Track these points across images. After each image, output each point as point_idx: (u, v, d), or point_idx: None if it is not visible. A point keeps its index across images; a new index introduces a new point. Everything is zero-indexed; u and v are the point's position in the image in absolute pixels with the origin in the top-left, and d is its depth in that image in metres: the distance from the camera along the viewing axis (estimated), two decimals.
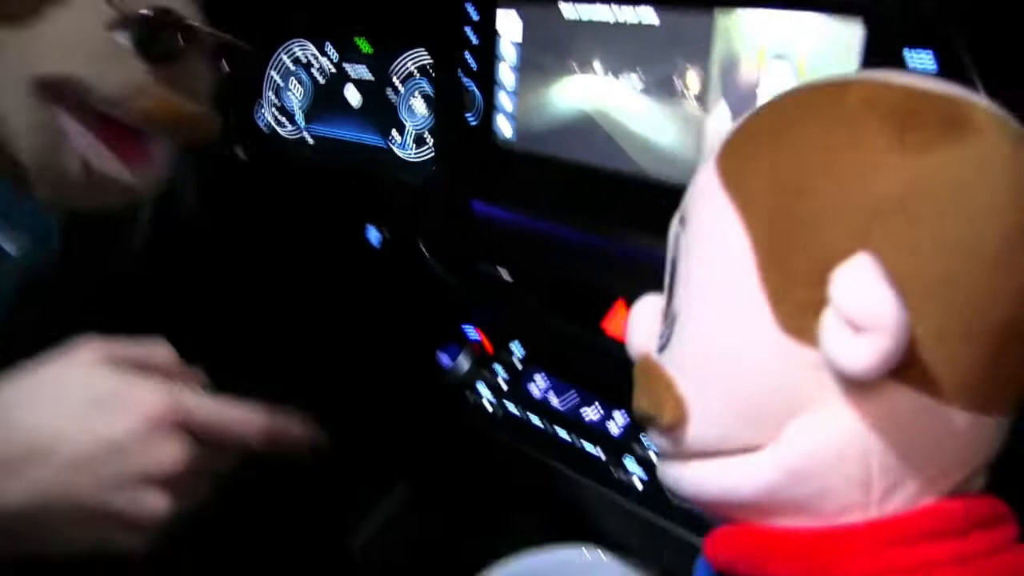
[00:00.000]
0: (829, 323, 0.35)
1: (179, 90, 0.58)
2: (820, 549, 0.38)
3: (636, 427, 0.89)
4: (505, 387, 1.00)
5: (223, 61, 0.70)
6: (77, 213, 0.67)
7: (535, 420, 0.96)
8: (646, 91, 0.88)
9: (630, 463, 0.88)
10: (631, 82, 0.89)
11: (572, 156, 0.95)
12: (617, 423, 0.91)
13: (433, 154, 1.14)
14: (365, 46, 1.26)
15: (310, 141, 1.31)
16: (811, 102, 0.40)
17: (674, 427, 0.41)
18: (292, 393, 1.10)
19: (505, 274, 0.99)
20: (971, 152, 0.36)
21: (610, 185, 0.90)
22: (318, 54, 1.30)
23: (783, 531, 0.39)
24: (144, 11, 0.55)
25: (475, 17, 1.00)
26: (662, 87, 0.86)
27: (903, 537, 0.37)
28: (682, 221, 0.44)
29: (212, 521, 0.61)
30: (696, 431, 0.41)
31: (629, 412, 0.88)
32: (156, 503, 0.50)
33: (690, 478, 0.43)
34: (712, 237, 0.41)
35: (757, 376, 0.38)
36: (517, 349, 1.01)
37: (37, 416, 0.49)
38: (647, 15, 0.85)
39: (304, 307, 1.23)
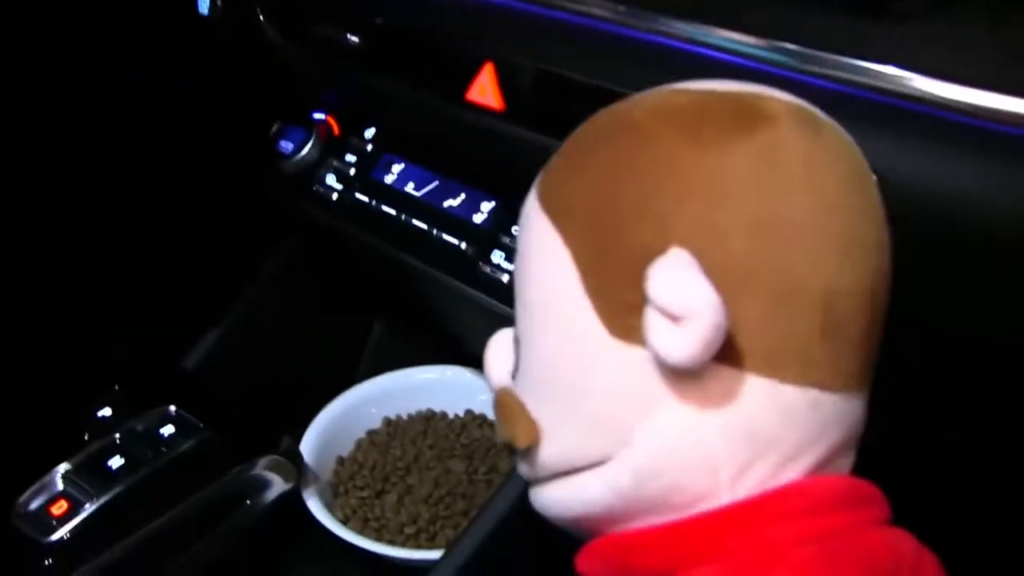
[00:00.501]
0: (650, 319, 0.36)
1: None
2: (674, 540, 0.39)
3: (505, 216, 0.79)
4: (355, 173, 0.88)
5: None
6: None
7: (389, 210, 0.85)
8: None
9: (497, 256, 0.78)
10: None
11: None
12: (483, 211, 0.80)
13: None
14: None
15: None
16: (606, 124, 0.44)
17: (529, 449, 0.43)
18: (102, 179, 0.95)
19: (355, 39, 0.84)
20: (764, 140, 0.39)
21: None
22: None
23: (641, 531, 0.40)
24: None
25: None
26: None
27: (754, 519, 0.37)
28: (517, 254, 0.46)
29: None
30: (550, 451, 0.42)
31: (497, 199, 0.79)
32: None
33: (552, 499, 0.44)
34: (538, 259, 0.43)
35: (597, 385, 0.40)
36: (369, 132, 0.88)
37: None
38: None
39: (119, 80, 1.04)
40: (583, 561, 0.43)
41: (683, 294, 0.34)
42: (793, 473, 0.39)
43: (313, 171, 0.90)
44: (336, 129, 0.91)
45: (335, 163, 0.88)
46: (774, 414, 0.38)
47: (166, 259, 0.91)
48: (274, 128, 0.92)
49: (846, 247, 0.39)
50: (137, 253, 0.89)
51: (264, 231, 0.96)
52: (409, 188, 0.84)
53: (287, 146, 0.90)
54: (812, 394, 0.38)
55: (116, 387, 0.84)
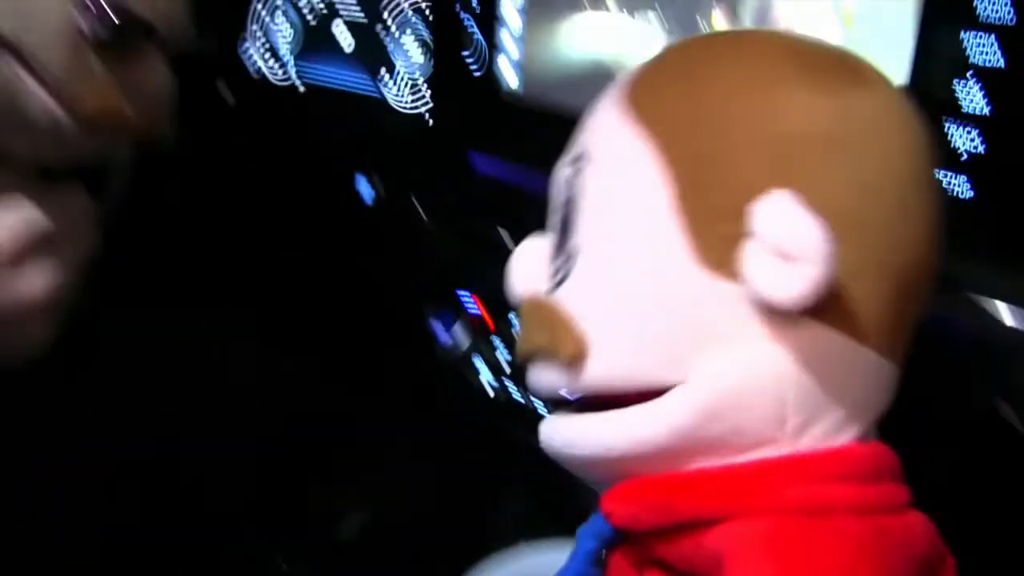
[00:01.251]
0: (753, 255, 0.35)
1: (122, 87, 0.56)
2: (730, 485, 0.37)
3: None
4: (503, 359, 0.94)
5: None
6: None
7: (539, 405, 0.90)
8: (666, 32, 0.79)
9: None
10: (649, 22, 0.80)
11: (583, 106, 0.86)
12: None
13: (429, 103, 1.06)
14: None
15: (297, 82, 1.23)
16: (724, 46, 0.42)
17: (574, 362, 0.40)
18: (277, 350, 1.05)
19: (507, 237, 0.92)
20: (874, 99, 0.39)
21: None
22: None
23: (689, 473, 0.39)
24: (107, 2, 0.54)
25: None
26: (684, 28, 0.77)
27: (814, 475, 0.37)
28: (578, 159, 0.43)
29: None
30: (599, 368, 0.40)
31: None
32: (35, 327, 0.58)
33: (589, 432, 0.41)
34: (622, 172, 0.40)
35: (668, 310, 0.38)
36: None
37: None
38: None
39: (291, 263, 1.16)
40: (614, 504, 0.41)
41: (799, 234, 0.34)
42: (849, 435, 0.39)
43: (465, 354, 0.96)
44: (485, 312, 0.97)
45: (485, 347, 0.95)
46: (849, 374, 0.38)
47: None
48: (427, 312, 0.99)
49: (932, 222, 0.40)
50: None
51: (415, 412, 1.03)
52: None
53: (441, 329, 0.97)
54: (882, 362, 0.39)
55: None
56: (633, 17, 0.81)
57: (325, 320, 1.08)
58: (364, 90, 1.14)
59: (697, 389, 0.38)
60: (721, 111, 0.38)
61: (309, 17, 1.20)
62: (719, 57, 0.41)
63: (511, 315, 0.94)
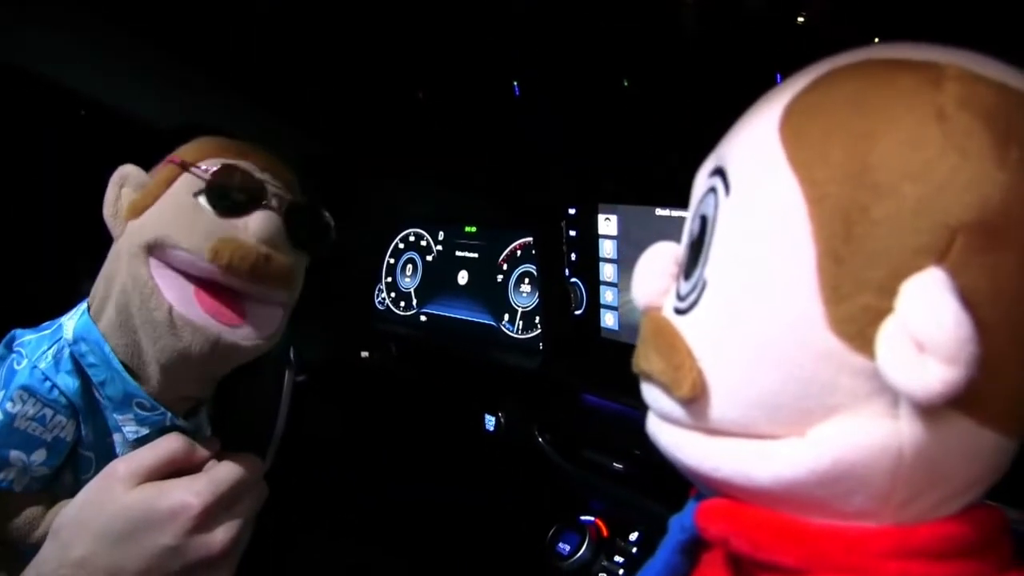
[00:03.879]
0: (892, 337, 0.33)
1: (246, 235, 0.65)
2: (827, 544, 0.36)
3: None
4: (623, 574, 1.03)
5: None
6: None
7: None
8: None
9: None
10: None
11: None
12: None
13: (540, 335, 1.22)
14: (473, 231, 1.37)
15: (423, 319, 1.42)
16: (897, 83, 0.36)
17: (690, 401, 0.39)
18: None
19: (619, 464, 1.03)
20: None
21: None
22: (431, 240, 1.42)
23: (785, 519, 0.38)
24: (213, 174, 0.65)
25: (577, 218, 1.09)
26: None
27: (912, 550, 0.35)
28: (722, 176, 0.40)
29: None
30: (714, 410, 0.39)
31: None
32: (220, 573, 0.64)
33: (699, 452, 0.40)
34: (768, 216, 0.37)
35: (793, 369, 0.36)
36: (633, 536, 1.04)
37: (91, 552, 0.60)
38: None
39: (422, 486, 1.30)
40: (707, 520, 0.40)
41: (945, 327, 0.31)
42: (955, 507, 0.37)
43: (587, 570, 1.06)
44: (605, 531, 1.07)
45: (606, 563, 1.04)
46: (964, 454, 0.35)
47: None
48: (552, 532, 1.10)
49: None
50: None
51: None
52: None
53: (564, 548, 1.08)
54: (1002, 441, 0.36)
55: None
56: None
57: (458, 546, 1.20)
58: (481, 321, 1.31)
59: (811, 451, 0.36)
60: (889, 173, 0.34)
61: (432, 262, 1.41)
62: (892, 101, 0.35)
63: (631, 534, 1.04)
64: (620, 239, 1.07)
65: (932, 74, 0.35)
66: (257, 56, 1.18)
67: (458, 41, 1.13)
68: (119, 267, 0.66)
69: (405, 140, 1.36)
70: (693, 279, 0.41)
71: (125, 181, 0.69)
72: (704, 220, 0.41)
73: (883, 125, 0.35)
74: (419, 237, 1.46)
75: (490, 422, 1.21)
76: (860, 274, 0.34)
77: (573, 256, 1.11)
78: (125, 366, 0.67)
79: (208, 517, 0.64)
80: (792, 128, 0.38)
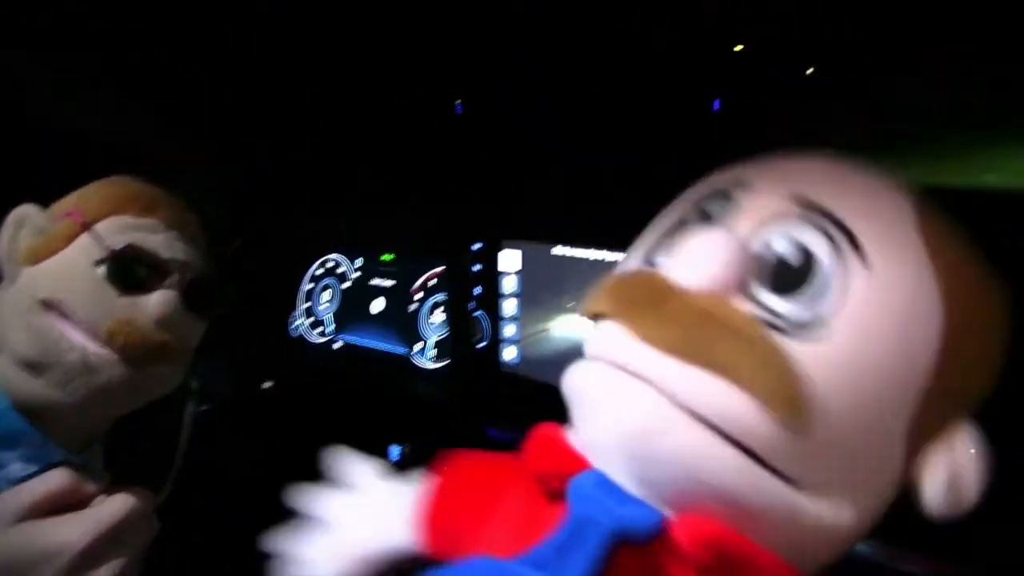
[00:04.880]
0: (938, 467, 0.40)
1: (143, 318, 0.65)
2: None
3: None
4: None
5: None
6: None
7: None
8: None
9: None
10: None
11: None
12: None
13: (450, 363, 1.23)
14: (390, 259, 1.38)
15: (338, 346, 1.42)
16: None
17: (781, 421, 0.38)
18: None
19: None
20: None
21: None
22: (349, 267, 1.43)
23: (759, 548, 0.40)
24: (115, 248, 0.65)
25: (482, 253, 1.10)
26: None
27: None
28: (847, 234, 0.41)
29: None
30: (790, 441, 0.38)
31: None
32: None
33: (725, 468, 0.39)
34: (910, 313, 0.39)
35: (864, 454, 0.40)
36: None
37: None
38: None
39: None
40: (688, 534, 0.40)
41: (973, 489, 0.40)
42: None
43: None
44: None
45: None
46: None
47: None
48: None
49: None
50: None
51: None
52: None
53: None
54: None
55: None
56: None
57: None
58: (394, 351, 1.32)
59: (840, 514, 0.41)
60: (989, 306, 0.41)
61: (349, 289, 1.41)
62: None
63: None
64: (521, 275, 1.09)
65: None
66: (181, 78, 1.18)
67: (381, 70, 1.14)
68: (12, 313, 0.65)
69: (325, 167, 1.37)
70: (802, 306, 0.41)
71: (24, 223, 0.68)
72: (808, 255, 0.41)
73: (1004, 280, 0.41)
74: (337, 264, 1.46)
75: (395, 452, 1.21)
76: (949, 393, 0.40)
77: (477, 290, 1.13)
78: (20, 402, 0.66)
79: (91, 556, 0.63)
80: (933, 229, 0.42)
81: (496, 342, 1.12)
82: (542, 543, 0.42)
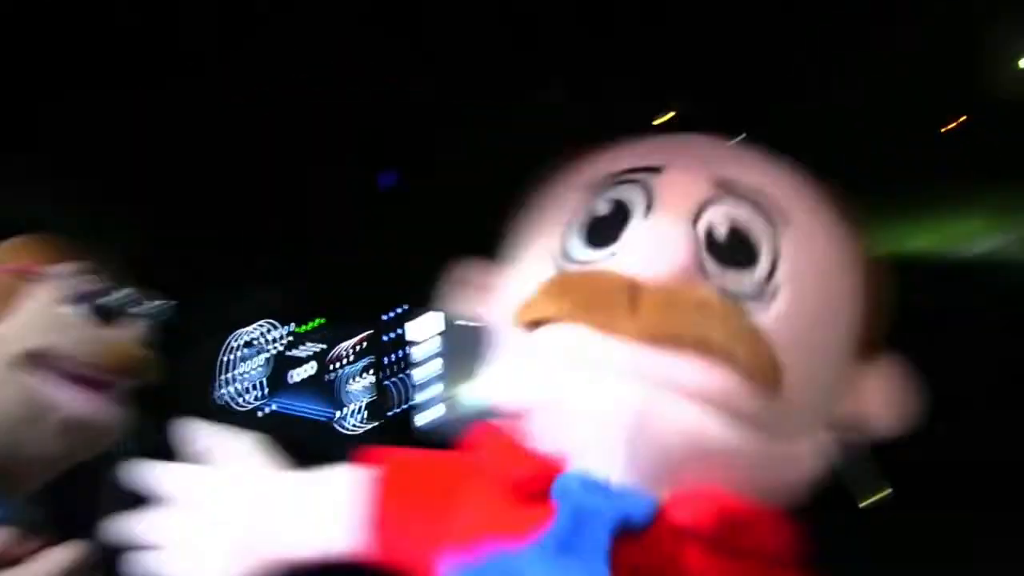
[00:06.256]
0: (879, 393, 0.44)
1: (123, 338, 0.65)
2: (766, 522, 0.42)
3: None
4: None
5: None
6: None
7: None
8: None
9: None
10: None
11: None
12: None
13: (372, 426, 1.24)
14: (315, 326, 1.39)
15: (261, 415, 1.42)
16: None
17: (759, 385, 0.40)
18: None
19: None
20: None
21: None
22: (272, 337, 1.43)
23: (749, 503, 0.41)
24: (87, 289, 0.64)
25: (396, 320, 1.13)
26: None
27: None
28: (765, 199, 0.45)
29: None
30: (772, 401, 0.41)
31: None
32: None
33: (717, 430, 0.41)
34: (830, 247, 0.45)
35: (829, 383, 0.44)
36: None
37: None
38: None
39: None
40: (691, 505, 0.41)
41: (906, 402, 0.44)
42: None
43: None
44: None
45: None
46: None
47: None
48: None
49: None
50: None
51: None
52: None
53: None
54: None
55: None
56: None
57: None
58: (318, 416, 1.33)
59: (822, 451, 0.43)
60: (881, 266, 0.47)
61: (272, 359, 1.42)
62: None
63: None
64: (438, 342, 1.11)
65: None
66: (81, 145, 1.18)
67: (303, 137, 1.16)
68: None
69: (247, 235, 1.38)
70: (753, 276, 0.43)
71: None
72: (747, 230, 0.44)
73: None
74: (261, 333, 1.47)
75: None
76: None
77: (392, 356, 1.15)
78: None
79: None
80: (828, 200, 0.47)
81: (410, 407, 1.13)
82: (539, 539, 0.41)
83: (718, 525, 0.40)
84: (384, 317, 1.13)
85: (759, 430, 0.41)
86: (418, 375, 1.12)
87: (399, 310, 1.11)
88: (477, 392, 1.04)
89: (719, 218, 0.44)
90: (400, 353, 1.12)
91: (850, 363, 0.44)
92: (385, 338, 1.13)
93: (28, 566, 0.65)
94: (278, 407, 1.39)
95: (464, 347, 1.07)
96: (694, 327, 0.40)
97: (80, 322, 0.64)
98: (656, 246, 0.43)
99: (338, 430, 1.30)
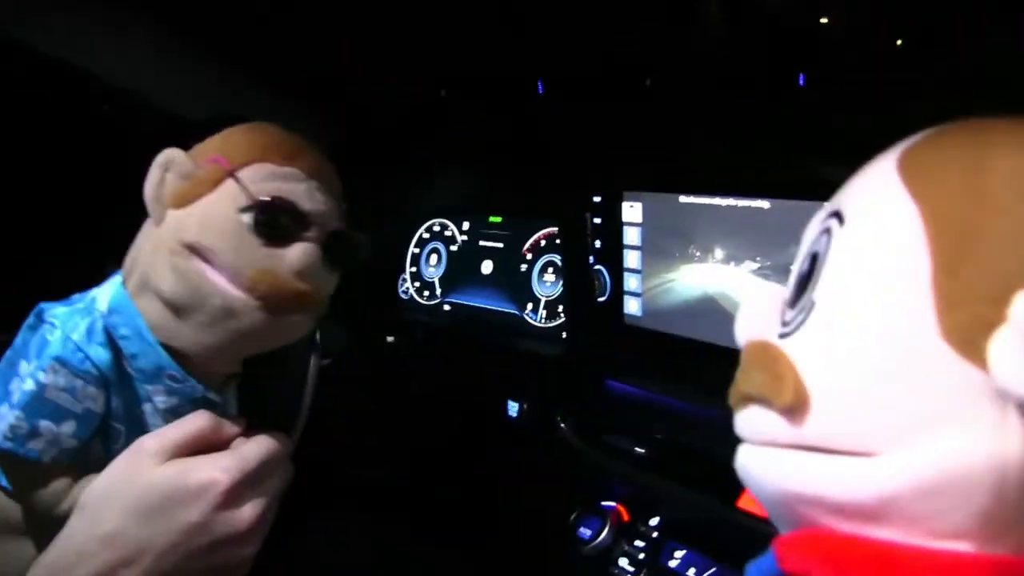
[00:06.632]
0: (1005, 343, 0.34)
1: (284, 268, 0.66)
2: (917, 569, 0.35)
3: None
4: (644, 558, 1.03)
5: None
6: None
7: None
8: (763, 273, 0.94)
9: None
10: (749, 265, 0.95)
11: (696, 335, 1.01)
12: None
13: (564, 323, 1.23)
14: (498, 221, 1.37)
15: (447, 308, 1.43)
16: (1011, 131, 0.39)
17: (790, 412, 0.39)
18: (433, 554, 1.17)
19: (641, 449, 1.04)
20: None
21: (734, 364, 0.94)
22: (456, 230, 1.43)
23: (877, 542, 0.37)
24: (263, 197, 0.66)
25: (602, 205, 1.09)
26: (778, 269, 0.92)
27: None
28: (838, 217, 0.42)
29: None
30: (816, 420, 0.39)
31: None
32: (245, 550, 0.64)
33: (792, 469, 0.40)
34: (884, 234, 0.39)
35: (905, 381, 0.36)
36: (654, 520, 1.05)
37: (119, 527, 0.60)
38: (758, 201, 0.92)
39: (444, 471, 1.31)
40: (789, 550, 0.40)
41: None
42: None
43: (608, 555, 1.06)
44: (626, 516, 1.07)
45: (627, 547, 1.05)
46: None
47: None
48: (573, 516, 1.11)
49: None
50: None
51: None
52: (691, 574, 0.98)
53: (585, 532, 1.08)
54: None
55: None
56: (735, 264, 0.95)
57: (480, 530, 1.21)
58: (505, 310, 1.32)
59: (919, 462, 0.36)
60: (998, 194, 0.37)
61: (456, 252, 1.42)
62: (1004, 141, 0.39)
63: (652, 519, 1.04)
64: (645, 226, 1.07)
65: None
66: (283, 44, 1.19)
67: (482, 33, 1.14)
68: (159, 255, 0.67)
69: (430, 129, 1.37)
70: (799, 305, 0.43)
71: (170, 166, 0.69)
72: (815, 257, 0.43)
73: (997, 158, 0.38)
74: (443, 227, 1.47)
75: (513, 408, 1.22)
76: (975, 286, 0.35)
77: (598, 243, 1.12)
78: (162, 341, 0.68)
79: (235, 494, 0.64)
80: (910, 164, 0.40)
81: (618, 296, 1.11)
82: None
83: (809, 566, 0.38)
84: (581, 205, 1.10)
85: (836, 454, 0.38)
86: (618, 263, 1.09)
87: (597, 198, 1.07)
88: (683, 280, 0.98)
89: (805, 258, 0.45)
90: (599, 242, 1.08)
91: (952, 334, 0.36)
92: (583, 226, 1.10)
93: (234, 449, 0.67)
94: (462, 301, 1.39)
95: (672, 233, 1.03)
96: (743, 382, 0.43)
97: (242, 232, 0.65)
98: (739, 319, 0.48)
99: (526, 323, 1.29)
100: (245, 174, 0.67)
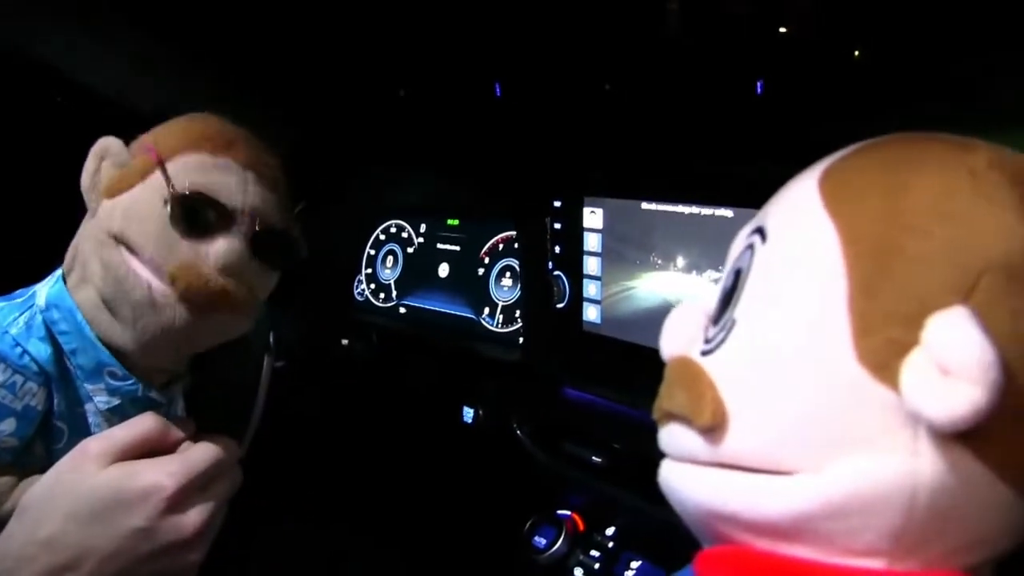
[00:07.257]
0: (917, 365, 0.34)
1: (208, 263, 0.64)
2: None
3: None
4: (599, 568, 1.02)
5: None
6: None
7: None
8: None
9: None
10: (710, 274, 0.94)
11: (655, 344, 0.99)
12: None
13: (521, 328, 1.21)
14: (456, 224, 1.35)
15: (403, 311, 1.40)
16: (931, 148, 0.40)
17: (710, 430, 0.39)
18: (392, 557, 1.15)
19: (598, 457, 1.02)
20: None
21: None
22: (413, 232, 1.41)
23: (791, 560, 0.37)
24: (182, 190, 0.63)
25: (562, 211, 1.08)
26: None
27: None
28: (761, 233, 0.43)
29: None
30: (734, 441, 0.39)
31: None
32: (190, 556, 0.62)
33: (710, 486, 0.40)
34: (802, 254, 0.39)
35: (819, 402, 0.37)
36: (610, 530, 1.03)
37: (60, 531, 0.58)
38: (722, 209, 0.91)
39: (397, 477, 1.29)
40: (709, 564, 0.40)
41: (971, 353, 0.32)
42: (963, 561, 0.37)
43: (563, 564, 1.05)
44: (582, 525, 1.06)
45: (582, 557, 1.03)
46: (978, 505, 0.36)
47: None
48: (528, 524, 1.09)
49: None
50: None
51: None
52: None
53: (540, 541, 1.07)
54: (1018, 503, 0.36)
55: None
56: (696, 273, 0.95)
57: (434, 536, 1.19)
58: (461, 314, 1.30)
59: (830, 482, 0.36)
60: (916, 215, 0.37)
61: (413, 255, 1.39)
62: (926, 160, 0.39)
63: (607, 529, 1.03)
64: (605, 232, 1.06)
65: (963, 144, 0.40)
66: (242, 40, 1.17)
67: (442, 36, 1.12)
68: (90, 247, 0.65)
69: (389, 130, 1.35)
70: (721, 322, 0.43)
71: (106, 154, 0.67)
72: (738, 273, 0.43)
73: (917, 178, 0.38)
74: (400, 229, 1.45)
75: (468, 414, 1.20)
76: (890, 308, 0.36)
77: (557, 249, 1.11)
78: (99, 336, 0.65)
79: (181, 499, 0.62)
80: (830, 182, 0.41)
81: (577, 302, 1.09)
82: None
83: None
84: (541, 209, 1.09)
85: (733, 470, 0.39)
86: (578, 269, 1.07)
87: (554, 204, 1.06)
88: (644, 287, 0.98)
89: (729, 274, 0.46)
90: (559, 247, 1.07)
91: (865, 353, 0.36)
92: (542, 231, 1.08)
93: (181, 453, 0.64)
94: (418, 304, 1.37)
95: (632, 240, 1.02)
96: (665, 399, 0.43)
97: (164, 224, 0.63)
98: (663, 334, 0.49)
99: (483, 328, 1.27)
100: (176, 164, 0.65)
